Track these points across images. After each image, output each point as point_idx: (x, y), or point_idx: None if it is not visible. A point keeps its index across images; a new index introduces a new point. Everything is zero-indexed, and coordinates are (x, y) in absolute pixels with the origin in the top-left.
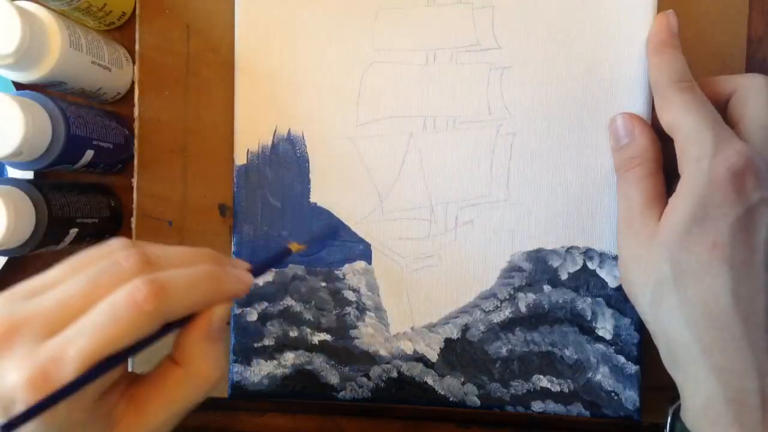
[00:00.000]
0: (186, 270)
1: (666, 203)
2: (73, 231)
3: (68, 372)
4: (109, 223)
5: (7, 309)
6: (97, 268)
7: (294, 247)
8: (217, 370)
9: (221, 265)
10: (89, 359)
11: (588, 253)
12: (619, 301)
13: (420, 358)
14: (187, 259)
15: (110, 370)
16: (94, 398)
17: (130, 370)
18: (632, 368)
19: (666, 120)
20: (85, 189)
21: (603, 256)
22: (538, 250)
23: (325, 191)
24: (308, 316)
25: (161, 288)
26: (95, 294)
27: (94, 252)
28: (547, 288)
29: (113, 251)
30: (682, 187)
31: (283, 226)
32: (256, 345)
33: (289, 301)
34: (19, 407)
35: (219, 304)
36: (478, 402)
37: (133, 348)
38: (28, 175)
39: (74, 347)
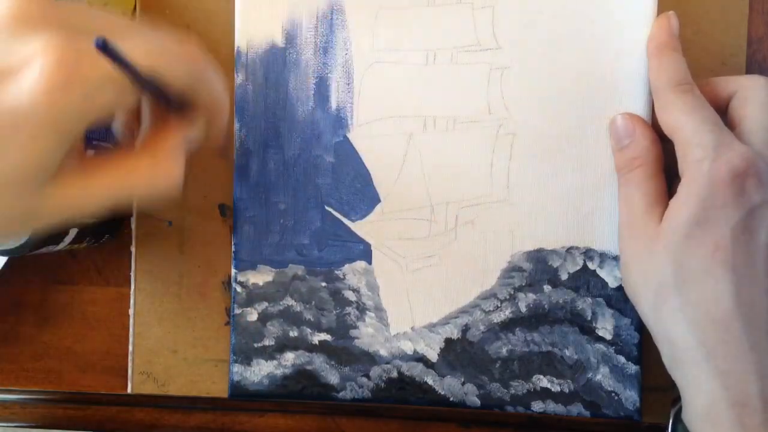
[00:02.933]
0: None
1: (667, 205)
2: (73, 231)
3: (102, 68)
4: (110, 223)
5: None
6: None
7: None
8: (179, 174)
9: None
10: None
11: (588, 253)
12: (619, 301)
13: (420, 358)
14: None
15: (142, 85)
16: (98, 115)
17: None
18: (632, 368)
19: (666, 122)
20: None
21: (603, 256)
22: (539, 250)
23: (327, 191)
24: (308, 316)
25: (205, 59)
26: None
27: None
28: (547, 288)
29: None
30: (683, 189)
31: (283, 225)
32: (256, 345)
33: (289, 301)
34: (27, 77)
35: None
36: (478, 402)
37: (158, 85)
38: None
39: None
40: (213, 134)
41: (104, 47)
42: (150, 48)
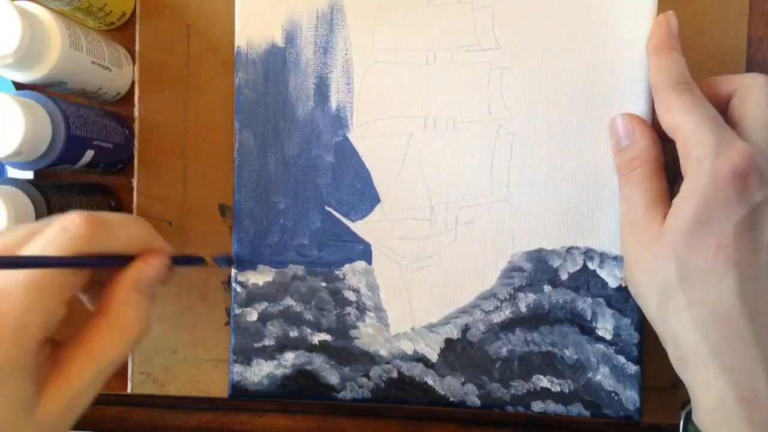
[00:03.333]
0: (121, 215)
1: (669, 204)
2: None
3: (13, 301)
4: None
5: None
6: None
7: (209, 261)
8: (141, 323)
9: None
10: (33, 284)
11: (588, 253)
12: (619, 301)
13: (420, 359)
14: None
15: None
16: (39, 332)
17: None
18: (632, 368)
19: (666, 122)
20: (85, 189)
21: (603, 256)
22: (539, 250)
23: (327, 191)
24: (308, 316)
25: (93, 217)
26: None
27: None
28: (547, 288)
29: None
30: (685, 188)
31: (283, 225)
32: (256, 345)
33: (289, 302)
34: None
35: (150, 259)
36: (479, 402)
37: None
38: (28, 175)
39: (16, 275)
40: (165, 252)
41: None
42: (41, 240)
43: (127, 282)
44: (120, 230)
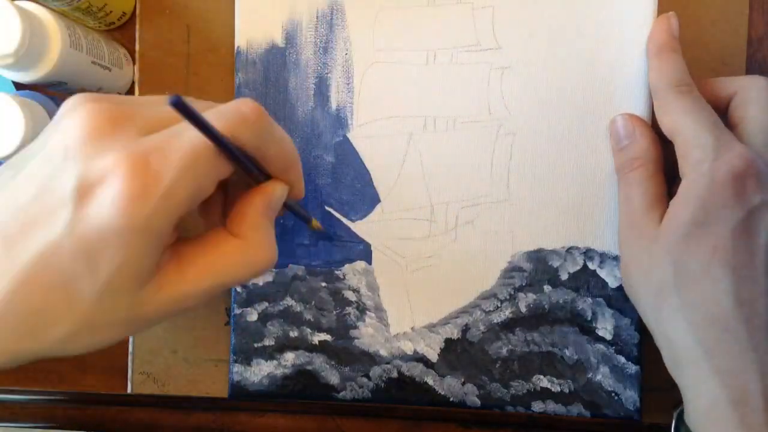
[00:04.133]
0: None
1: (667, 205)
2: None
3: (174, 161)
4: None
5: (110, 103)
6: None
7: (314, 223)
8: (273, 251)
9: None
10: (194, 151)
11: (588, 253)
12: (619, 301)
13: (420, 359)
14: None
15: (210, 174)
16: (181, 209)
17: None
18: (632, 368)
19: (666, 123)
20: None
21: (603, 257)
22: (539, 250)
23: (327, 191)
24: (308, 316)
25: (264, 111)
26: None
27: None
28: (547, 288)
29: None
30: (683, 190)
31: (283, 225)
32: (256, 345)
33: (289, 302)
34: (107, 194)
35: (284, 185)
36: (479, 402)
37: (236, 151)
38: None
39: (181, 138)
40: (294, 192)
41: (178, 105)
42: (214, 111)
43: (261, 205)
44: (281, 142)
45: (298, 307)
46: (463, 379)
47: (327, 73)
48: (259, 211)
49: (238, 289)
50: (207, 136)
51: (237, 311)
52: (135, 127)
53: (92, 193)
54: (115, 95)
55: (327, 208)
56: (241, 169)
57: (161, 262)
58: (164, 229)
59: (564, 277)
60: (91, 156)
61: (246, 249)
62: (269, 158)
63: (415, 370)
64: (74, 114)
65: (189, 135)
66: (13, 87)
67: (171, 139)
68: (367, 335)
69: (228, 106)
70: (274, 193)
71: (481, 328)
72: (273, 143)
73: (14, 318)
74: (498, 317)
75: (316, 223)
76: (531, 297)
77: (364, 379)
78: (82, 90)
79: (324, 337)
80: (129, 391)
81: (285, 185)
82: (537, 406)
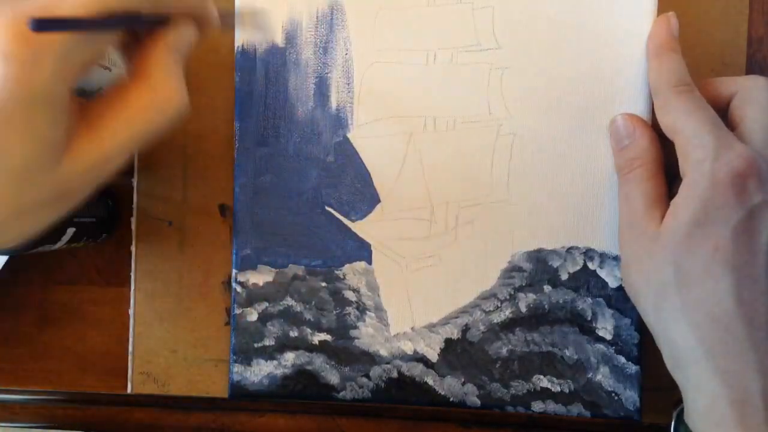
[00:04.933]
0: None
1: (667, 205)
2: (71, 230)
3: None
4: (107, 222)
5: None
6: None
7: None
8: (181, 92)
9: None
10: (87, 7)
11: (588, 253)
12: (619, 301)
13: (420, 359)
14: None
15: (102, 31)
16: (78, 70)
17: None
18: (632, 368)
19: (666, 123)
20: None
21: (603, 257)
22: (539, 250)
23: (327, 191)
24: (308, 316)
25: None
26: None
27: None
28: (547, 288)
29: None
30: (683, 190)
31: (283, 225)
32: (256, 345)
33: (289, 301)
34: None
35: (190, 22)
36: (479, 402)
37: (116, 22)
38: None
39: (69, 2)
40: (205, 28)
41: (41, 27)
42: None
43: (164, 46)
44: None
45: (298, 307)
46: (463, 379)
47: (327, 73)
48: (161, 52)
49: (238, 289)
50: (94, 30)
51: (237, 311)
52: None
53: None
54: None
55: (327, 208)
56: (140, 27)
57: (71, 129)
58: (65, 93)
59: (564, 277)
60: None
61: (152, 91)
62: (172, 6)
63: (415, 370)
64: None
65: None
66: None
67: (55, 1)
68: (367, 335)
69: None
70: (180, 35)
71: (481, 328)
72: (172, 1)
73: None
74: (498, 317)
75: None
76: (531, 297)
77: (364, 379)
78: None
79: (324, 337)
80: (129, 391)
81: (189, 24)
82: (537, 406)
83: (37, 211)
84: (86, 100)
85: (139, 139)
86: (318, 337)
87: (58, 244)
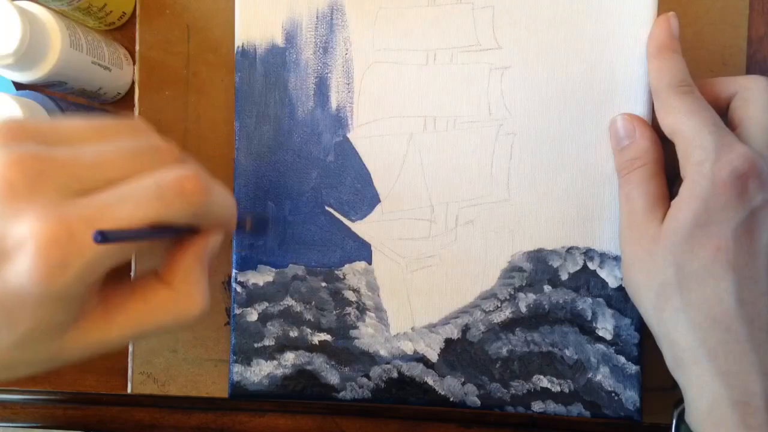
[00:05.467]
0: (223, 190)
1: (668, 205)
2: None
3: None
4: None
5: (30, 148)
6: (135, 143)
7: (248, 223)
8: (206, 300)
9: None
10: (141, 220)
11: (588, 253)
12: (619, 301)
13: (420, 359)
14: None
15: (131, 251)
16: (102, 273)
17: None
18: (632, 368)
19: (667, 124)
20: None
21: (603, 257)
22: (539, 251)
23: (327, 191)
24: (308, 316)
25: (207, 185)
26: (133, 167)
27: (121, 124)
28: (547, 288)
29: (145, 131)
30: (684, 190)
31: (283, 225)
32: (256, 345)
33: (289, 302)
34: (23, 261)
35: (218, 233)
36: (479, 402)
37: (160, 232)
38: None
39: (113, 214)
40: (227, 235)
41: (105, 239)
42: (147, 196)
43: (194, 255)
44: (219, 210)
45: (298, 307)
46: (463, 379)
47: (327, 73)
48: (190, 261)
49: (238, 289)
50: (136, 241)
51: (237, 311)
52: (56, 184)
53: (9, 258)
54: (41, 125)
55: (327, 208)
56: (175, 236)
57: (87, 308)
58: (84, 292)
59: (564, 277)
60: (7, 217)
61: (176, 300)
62: (208, 221)
63: (415, 370)
64: None
65: (118, 212)
66: (13, 87)
67: (100, 212)
68: (367, 335)
69: (170, 178)
70: (208, 245)
71: (481, 328)
72: (210, 216)
73: None
74: (498, 317)
75: (249, 222)
76: (531, 297)
77: (364, 379)
78: (83, 90)
79: (324, 337)
80: (129, 391)
81: (219, 236)
82: (537, 406)
83: (28, 367)
84: (111, 289)
85: (146, 336)
86: (318, 337)
87: None
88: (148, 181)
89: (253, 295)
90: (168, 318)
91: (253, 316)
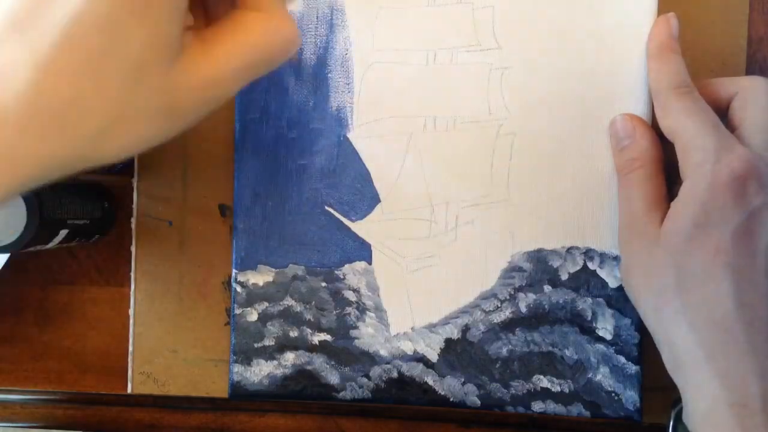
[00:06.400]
0: None
1: (668, 206)
2: (63, 231)
3: None
4: (101, 223)
5: None
6: None
7: None
8: (292, 24)
9: None
10: None
11: (588, 253)
12: (619, 301)
13: (420, 359)
14: None
15: None
16: None
17: None
18: (632, 368)
19: (666, 125)
20: (81, 189)
21: (603, 257)
22: (539, 251)
23: (327, 191)
24: (308, 316)
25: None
26: None
27: None
28: (547, 288)
29: None
30: (684, 192)
31: (283, 225)
32: (256, 345)
33: (289, 302)
34: None
35: None
36: (479, 402)
37: None
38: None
39: None
40: None
41: None
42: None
43: None
44: None
45: (298, 307)
46: (463, 379)
47: (327, 73)
48: None
49: (238, 289)
50: None
51: (237, 311)
52: None
53: None
54: None
55: (327, 208)
56: None
57: (185, 43)
58: (175, 12)
59: (564, 277)
60: None
61: (269, 20)
62: None
63: (415, 370)
64: None
65: None
66: None
67: None
68: (367, 335)
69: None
70: None
71: (481, 328)
72: None
73: (42, 112)
74: (498, 317)
75: None
76: (531, 297)
77: (364, 379)
78: None
79: (324, 337)
80: (129, 391)
81: None
82: (537, 406)
83: (144, 121)
84: (201, 27)
85: (253, 67)
86: (318, 337)
87: (50, 245)
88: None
89: (253, 295)
90: (266, 39)
91: (253, 316)
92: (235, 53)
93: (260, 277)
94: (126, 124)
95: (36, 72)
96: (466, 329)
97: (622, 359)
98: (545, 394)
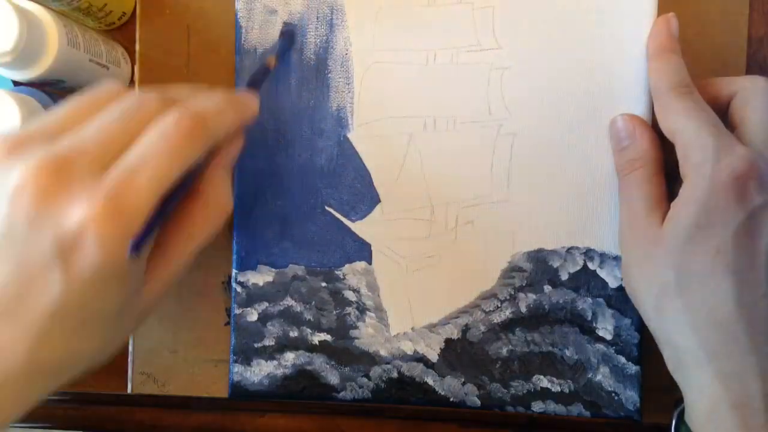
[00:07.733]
0: (208, 100)
1: (668, 206)
2: None
3: (143, 199)
4: None
5: (44, 148)
6: (123, 105)
7: (270, 60)
8: (230, 201)
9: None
10: (159, 185)
11: (588, 253)
12: (619, 301)
13: (420, 359)
14: (196, 95)
15: (173, 201)
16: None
17: None
18: (633, 368)
19: (666, 126)
20: None
21: (603, 257)
22: (539, 251)
23: (327, 191)
24: (308, 316)
25: (201, 116)
26: (133, 129)
27: (100, 94)
28: (547, 288)
29: (123, 91)
30: (684, 192)
31: (283, 225)
32: (256, 345)
33: (289, 302)
34: (90, 244)
35: (236, 135)
36: (479, 402)
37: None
38: None
39: (143, 174)
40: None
41: (137, 245)
42: (159, 149)
43: (219, 164)
44: (221, 121)
45: (298, 307)
46: (463, 379)
47: (327, 73)
48: (215, 170)
49: (238, 289)
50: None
51: (237, 311)
52: (82, 170)
53: (75, 248)
54: (40, 124)
55: (327, 208)
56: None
57: (148, 268)
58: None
59: (564, 277)
60: (56, 217)
61: (207, 206)
62: (222, 135)
63: (415, 370)
64: (15, 181)
65: (144, 172)
66: (12, 85)
67: (131, 177)
68: (367, 335)
69: (169, 126)
70: (228, 151)
71: (482, 328)
72: (221, 132)
73: (43, 369)
74: (498, 317)
75: (271, 60)
76: (531, 297)
77: (364, 379)
78: (80, 89)
79: (324, 337)
80: (129, 391)
81: (239, 137)
82: (537, 406)
83: (124, 336)
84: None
85: (198, 250)
86: (318, 338)
87: None
88: (152, 136)
89: (253, 295)
90: (204, 226)
91: (253, 316)
92: (184, 250)
93: (260, 277)
94: (110, 346)
95: (31, 343)
96: (466, 329)
97: (622, 359)
98: (545, 394)
